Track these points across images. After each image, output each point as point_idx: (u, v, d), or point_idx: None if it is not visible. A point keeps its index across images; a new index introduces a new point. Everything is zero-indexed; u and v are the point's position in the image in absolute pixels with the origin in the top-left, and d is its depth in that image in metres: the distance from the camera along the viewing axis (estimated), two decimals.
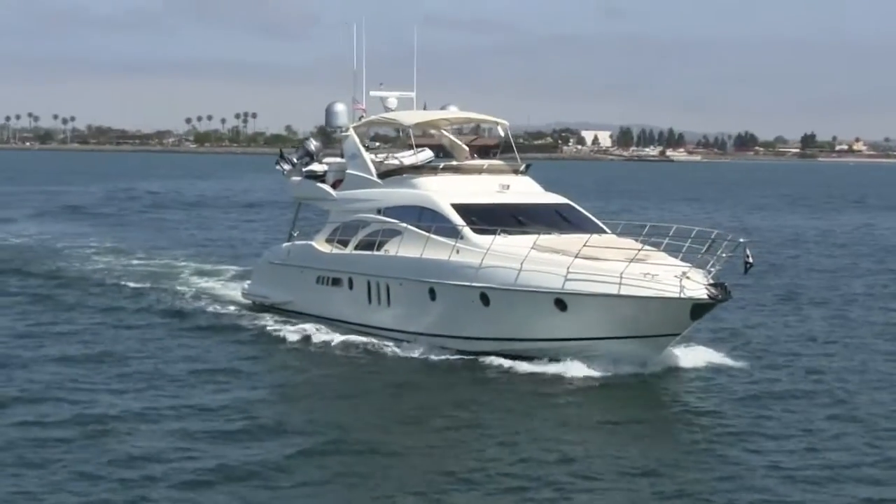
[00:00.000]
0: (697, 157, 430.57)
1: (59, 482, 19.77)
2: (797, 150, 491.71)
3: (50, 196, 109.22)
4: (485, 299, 30.37)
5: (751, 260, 29.31)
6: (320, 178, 38.21)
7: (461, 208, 32.58)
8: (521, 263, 29.69)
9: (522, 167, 36.11)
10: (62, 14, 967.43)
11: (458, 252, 31.37)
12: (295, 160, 39.46)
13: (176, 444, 22.08)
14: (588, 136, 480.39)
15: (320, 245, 36.57)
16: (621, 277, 28.36)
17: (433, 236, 32.26)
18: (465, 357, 30.30)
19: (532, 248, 30.00)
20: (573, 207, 34.26)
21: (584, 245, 29.57)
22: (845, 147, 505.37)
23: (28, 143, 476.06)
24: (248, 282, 40.31)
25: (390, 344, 32.03)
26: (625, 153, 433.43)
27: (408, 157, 36.33)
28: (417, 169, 35.32)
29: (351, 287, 34.60)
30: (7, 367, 28.72)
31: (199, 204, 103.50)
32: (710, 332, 33.04)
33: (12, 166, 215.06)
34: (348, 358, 31.33)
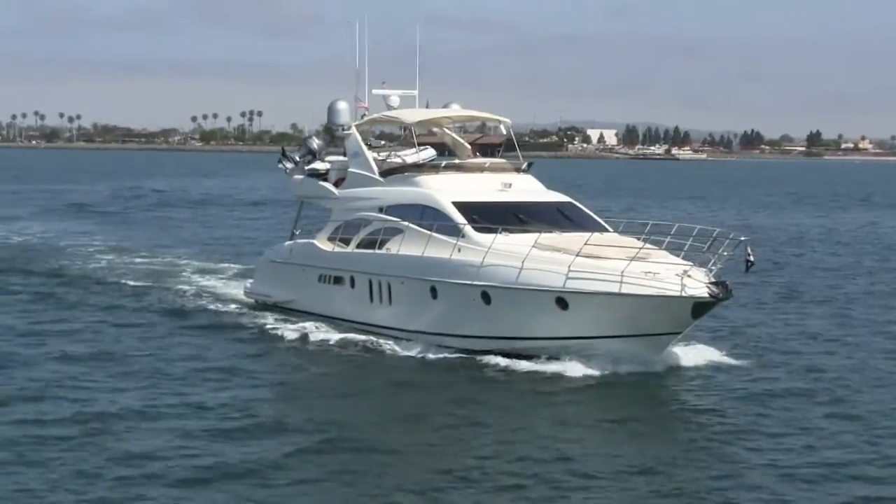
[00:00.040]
0: (703, 156, 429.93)
1: (57, 479, 19.78)
2: (803, 149, 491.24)
3: (55, 194, 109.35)
4: (486, 298, 30.35)
5: (752, 258, 29.29)
6: (323, 176, 38.21)
7: (463, 207, 32.55)
8: (523, 262, 29.64)
9: (524, 165, 36.08)
10: (66, 14, 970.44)
11: (459, 251, 31.34)
12: (297, 158, 39.48)
13: (175, 442, 22.09)
14: (594, 134, 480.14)
15: (322, 243, 36.58)
16: (622, 276, 28.31)
17: (435, 235, 32.24)
18: (464, 355, 30.28)
19: (533, 246, 29.95)
20: (575, 206, 34.23)
21: (586, 243, 29.51)
22: (851, 145, 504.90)
23: (34, 142, 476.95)
24: (251, 280, 40.32)
25: (389, 342, 32.01)
26: (630, 151, 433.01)
27: (410, 156, 36.32)
28: (419, 167, 35.30)
29: (353, 286, 34.60)
30: (7, 364, 28.75)
31: (204, 202, 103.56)
32: (710, 330, 33.01)
33: (18, 165, 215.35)
34: (347, 356, 31.33)
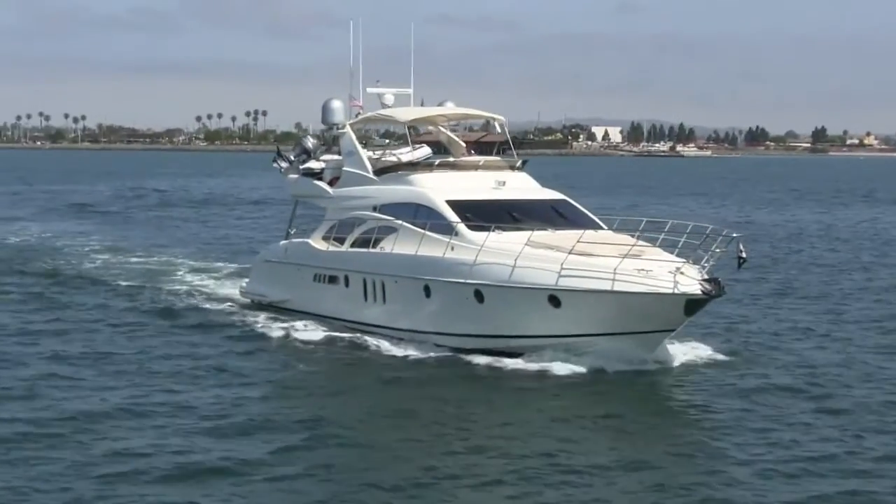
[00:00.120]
0: (708, 153, 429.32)
1: (42, 477, 19.81)
2: (808, 145, 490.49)
3: (56, 195, 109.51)
4: (479, 296, 30.30)
5: (744, 255, 29.26)
6: (317, 175, 38.17)
7: (456, 205, 32.51)
8: (515, 260, 29.59)
9: (519, 163, 36.03)
10: (66, 13, 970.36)
11: (452, 249, 31.30)
12: (292, 158, 39.46)
13: (161, 439, 22.11)
14: (598, 131, 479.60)
15: (317, 243, 36.55)
16: (615, 273, 28.26)
17: (428, 233, 32.19)
18: (453, 353, 30.27)
19: (526, 244, 29.91)
20: (569, 203, 34.16)
21: (578, 241, 29.46)
22: (856, 141, 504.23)
23: (39, 143, 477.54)
24: (246, 280, 40.32)
25: (379, 341, 32.02)
26: (635, 149, 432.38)
27: (405, 154, 36.28)
28: (413, 166, 35.26)
29: (347, 285, 34.58)
30: None
31: (206, 202, 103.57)
32: (704, 327, 32.97)
33: (23, 165, 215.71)
34: (336, 355, 31.32)
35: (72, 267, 48.79)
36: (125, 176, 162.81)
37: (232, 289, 41.31)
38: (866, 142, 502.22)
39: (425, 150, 36.78)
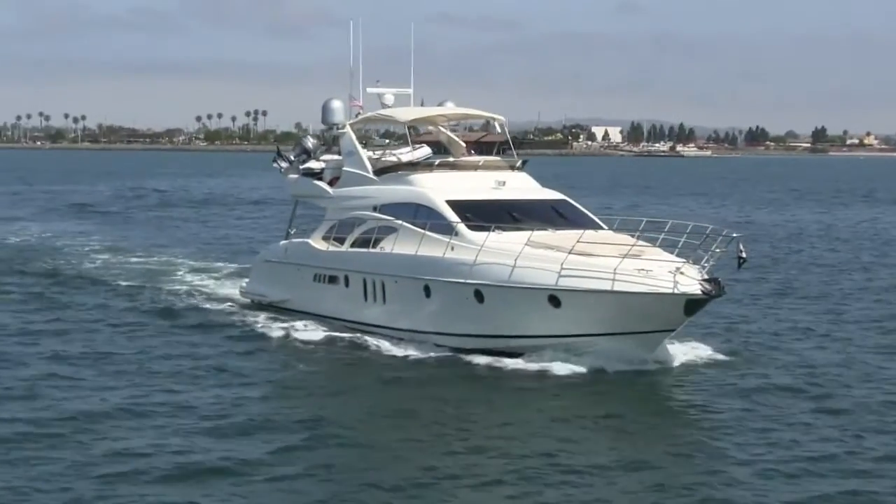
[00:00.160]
0: (708, 153, 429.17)
1: (41, 477, 19.84)
2: (808, 145, 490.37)
3: (56, 195, 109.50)
4: (479, 296, 30.28)
5: (744, 255, 29.25)
6: (317, 175, 38.15)
7: (456, 205, 32.49)
8: (515, 260, 29.56)
9: (519, 163, 36.01)
10: (65, 13, 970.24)
11: (452, 249, 31.29)
12: (292, 158, 39.45)
13: (161, 439, 22.13)
14: (598, 131, 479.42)
15: (317, 243, 36.53)
16: (615, 273, 28.24)
17: (428, 233, 32.17)
18: (453, 354, 30.27)
19: (526, 244, 29.89)
20: (569, 203, 34.14)
21: (578, 241, 29.44)
22: (856, 141, 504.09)
23: (39, 143, 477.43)
24: (247, 280, 40.30)
25: (379, 341, 32.02)
26: (635, 149, 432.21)
27: (405, 154, 36.27)
28: (413, 166, 35.25)
29: (347, 285, 34.57)
30: None
31: (206, 202, 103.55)
32: (704, 326, 32.96)
33: (23, 166, 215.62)
34: (336, 355, 31.34)
35: (72, 267, 48.79)
36: (125, 176, 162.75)
37: (232, 289, 41.32)
38: (866, 142, 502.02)
39: (425, 150, 36.77)
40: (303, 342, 32.75)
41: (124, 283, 43.54)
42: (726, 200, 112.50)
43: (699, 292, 27.95)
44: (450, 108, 38.34)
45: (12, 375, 27.54)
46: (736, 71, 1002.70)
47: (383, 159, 36.21)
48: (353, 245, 34.91)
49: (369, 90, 38.41)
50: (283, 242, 38.90)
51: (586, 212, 33.79)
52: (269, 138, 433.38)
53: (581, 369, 28.40)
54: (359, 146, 36.66)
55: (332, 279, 35.22)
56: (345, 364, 30.26)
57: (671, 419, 24.99)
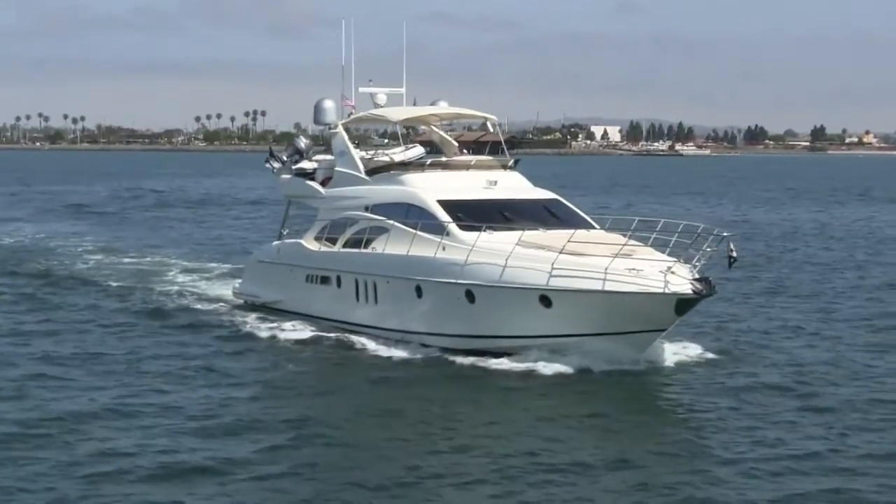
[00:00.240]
0: (707, 152, 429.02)
1: (26, 477, 19.88)
2: (807, 144, 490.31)
3: (54, 195, 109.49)
4: (470, 296, 30.26)
5: (734, 254, 29.18)
6: (310, 175, 38.14)
7: (448, 205, 32.46)
8: (506, 260, 29.54)
9: (511, 162, 35.99)
10: (65, 13, 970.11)
11: (444, 249, 31.27)
12: (285, 158, 39.42)
13: (147, 439, 22.16)
14: (597, 131, 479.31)
15: (309, 243, 36.52)
16: (605, 273, 28.21)
17: (419, 233, 32.14)
18: (441, 353, 30.29)
19: (517, 244, 29.85)
20: (561, 202, 34.10)
21: (569, 240, 29.41)
22: (855, 140, 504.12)
23: (38, 144, 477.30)
24: (239, 281, 40.29)
25: (367, 341, 32.05)
26: (634, 148, 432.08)
27: (397, 154, 36.26)
28: (405, 165, 35.23)
29: (339, 285, 34.55)
30: None
31: (203, 202, 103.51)
32: (694, 325, 32.97)
33: (22, 166, 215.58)
34: (325, 355, 31.36)
35: (64, 268, 48.83)
36: (123, 177, 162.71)
37: (223, 289, 41.37)
38: (865, 140, 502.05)
39: (418, 150, 36.74)
40: (292, 342, 32.77)
41: (116, 284, 43.56)
42: (723, 199, 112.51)
43: (690, 292, 27.92)
44: (442, 108, 38.34)
45: (1, 376, 27.56)
46: (735, 70, 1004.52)
47: (375, 159, 36.19)
48: (345, 245, 34.89)
49: (361, 90, 38.40)
50: (275, 243, 38.87)
51: (578, 211, 33.75)
52: (269, 138, 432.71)
53: (570, 369, 28.39)
54: (351, 146, 36.64)
55: (325, 280, 35.21)
56: (333, 364, 30.28)
57: (657, 418, 24.99)
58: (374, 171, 35.55)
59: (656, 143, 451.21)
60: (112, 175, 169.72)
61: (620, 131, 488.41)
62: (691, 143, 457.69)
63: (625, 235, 30.52)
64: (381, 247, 33.29)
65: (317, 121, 38.47)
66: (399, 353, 30.70)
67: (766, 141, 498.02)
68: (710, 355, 29.99)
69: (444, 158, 36.29)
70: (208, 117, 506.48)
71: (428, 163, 35.23)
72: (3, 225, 71.43)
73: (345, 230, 35.12)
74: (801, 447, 21.93)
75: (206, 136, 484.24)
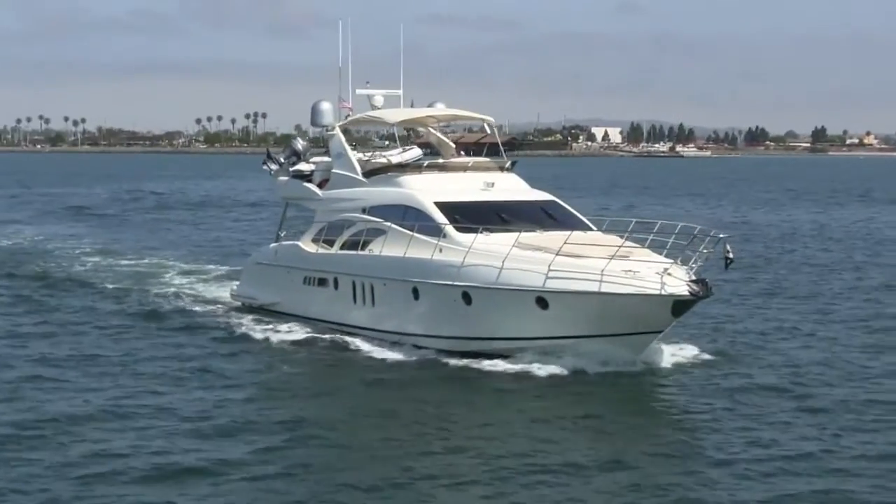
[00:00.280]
0: (707, 153, 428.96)
1: (21, 478, 19.91)
2: (808, 145, 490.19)
3: (54, 198, 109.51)
4: (467, 298, 30.24)
5: (731, 255, 29.23)
6: (307, 177, 38.13)
7: (445, 206, 32.45)
8: (503, 262, 29.52)
9: (508, 164, 35.96)
10: (65, 15, 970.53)
11: (440, 251, 31.25)
12: (282, 160, 39.42)
13: (142, 441, 22.20)
14: (598, 132, 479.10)
15: (307, 245, 36.50)
16: (602, 275, 28.20)
17: (416, 235, 32.13)
18: (436, 355, 30.31)
19: (514, 245, 29.82)
20: (558, 204, 34.09)
21: (566, 242, 29.38)
22: (856, 141, 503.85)
23: (39, 146, 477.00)
24: (237, 283, 40.28)
25: (363, 343, 32.08)
26: (635, 149, 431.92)
27: (394, 156, 36.26)
28: (402, 167, 35.22)
29: (336, 287, 34.53)
30: None
31: (203, 204, 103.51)
32: (691, 327, 32.96)
33: (22, 168, 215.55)
34: (320, 356, 31.39)
35: (62, 270, 48.84)
36: (123, 179, 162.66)
37: (221, 291, 41.44)
38: (866, 141, 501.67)
39: (415, 152, 36.75)
40: (287, 344, 32.82)
41: (113, 286, 43.56)
42: (723, 200, 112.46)
43: (686, 293, 27.92)
44: (439, 109, 38.33)
45: None
46: (736, 71, 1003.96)
47: (372, 161, 36.18)
48: (342, 247, 34.87)
49: (358, 91, 38.40)
50: (273, 245, 38.86)
51: (575, 213, 33.74)
52: (269, 140, 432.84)
53: (565, 370, 28.40)
54: (348, 148, 36.64)
55: (322, 282, 35.19)
56: (327, 366, 30.31)
57: (651, 419, 25.02)
58: (371, 172, 35.53)
59: (657, 145, 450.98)
60: (112, 177, 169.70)
61: (621, 133, 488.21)
62: (692, 145, 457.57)
63: (622, 237, 30.46)
64: (378, 249, 33.28)
65: (314, 123, 38.50)
66: (394, 354, 30.72)
67: (767, 142, 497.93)
68: (706, 356, 30.01)
69: (441, 160, 36.24)
70: (209, 119, 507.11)
71: (425, 164, 35.22)
72: (1, 227, 71.43)
73: (342, 232, 35.10)
74: (795, 448, 21.96)
75: (206, 139, 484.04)
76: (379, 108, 38.04)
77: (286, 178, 38.83)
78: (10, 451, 21.43)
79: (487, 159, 36.37)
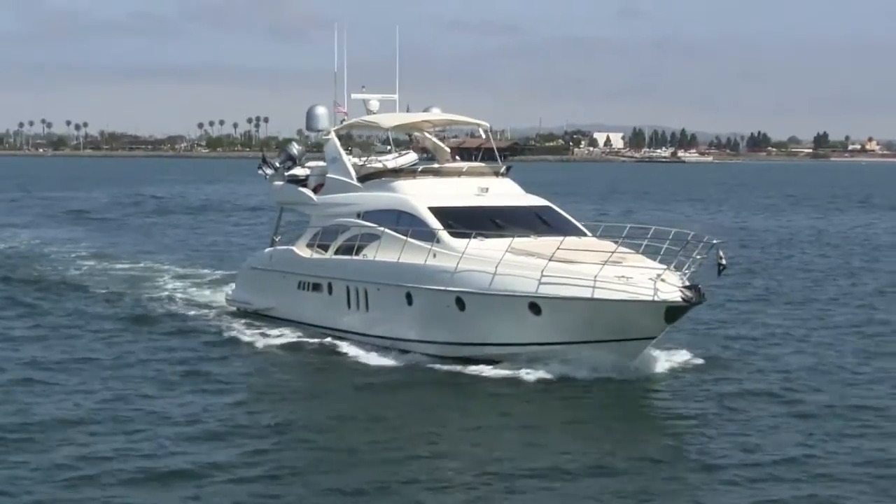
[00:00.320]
0: (709, 158, 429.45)
1: (7, 480, 19.92)
2: (810, 150, 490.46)
3: (55, 201, 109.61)
4: (460, 304, 30.21)
5: (724, 262, 29.14)
6: (302, 182, 38.14)
7: (438, 212, 32.43)
8: (496, 267, 29.49)
9: (503, 169, 35.94)
10: (65, 17, 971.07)
11: (434, 256, 31.23)
12: (277, 164, 39.41)
13: (131, 444, 22.19)
14: (600, 137, 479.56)
15: (301, 250, 36.46)
16: (595, 280, 28.15)
17: (410, 240, 32.10)
18: (427, 360, 30.31)
19: (507, 251, 29.77)
20: (553, 209, 34.07)
21: (559, 248, 29.35)
22: (858, 147, 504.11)
23: (41, 150, 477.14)
24: (232, 287, 40.25)
25: (355, 347, 32.06)
26: (636, 154, 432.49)
27: (389, 160, 36.26)
28: (396, 172, 35.21)
29: (330, 292, 34.50)
30: None
31: (203, 208, 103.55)
32: (684, 332, 32.84)
33: (24, 172, 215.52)
34: (312, 361, 31.38)
35: (57, 273, 48.82)
36: (124, 183, 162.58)
37: (215, 295, 41.45)
38: (868, 147, 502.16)
39: (411, 156, 36.75)
40: (277, 348, 32.85)
41: (107, 290, 43.52)
42: (722, 206, 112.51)
43: (679, 299, 27.87)
44: (434, 114, 38.31)
45: None
46: (738, 76, 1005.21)
47: (367, 165, 36.17)
48: (336, 252, 34.83)
49: (354, 96, 38.42)
50: (267, 250, 38.84)
51: (570, 218, 33.71)
52: (271, 145, 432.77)
53: (549, 376, 28.27)
54: (343, 152, 36.64)
55: (316, 287, 35.15)
56: (318, 370, 30.32)
57: (640, 425, 25.05)
58: (366, 177, 35.52)
59: (659, 150, 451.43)
60: (114, 181, 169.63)
61: (623, 138, 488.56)
62: (694, 150, 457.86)
63: (616, 242, 30.43)
64: (372, 254, 33.26)
65: (309, 127, 38.56)
66: (384, 359, 30.71)
67: (769, 148, 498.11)
68: (698, 362, 29.98)
69: (435, 165, 36.18)
70: (211, 124, 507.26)
71: (419, 169, 35.19)
72: (0, 231, 71.37)
73: (336, 237, 35.07)
74: (781, 453, 21.93)
75: (209, 143, 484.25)
76: (374, 113, 38.02)
77: (281, 182, 38.83)
78: None
79: (482, 164, 36.36)
